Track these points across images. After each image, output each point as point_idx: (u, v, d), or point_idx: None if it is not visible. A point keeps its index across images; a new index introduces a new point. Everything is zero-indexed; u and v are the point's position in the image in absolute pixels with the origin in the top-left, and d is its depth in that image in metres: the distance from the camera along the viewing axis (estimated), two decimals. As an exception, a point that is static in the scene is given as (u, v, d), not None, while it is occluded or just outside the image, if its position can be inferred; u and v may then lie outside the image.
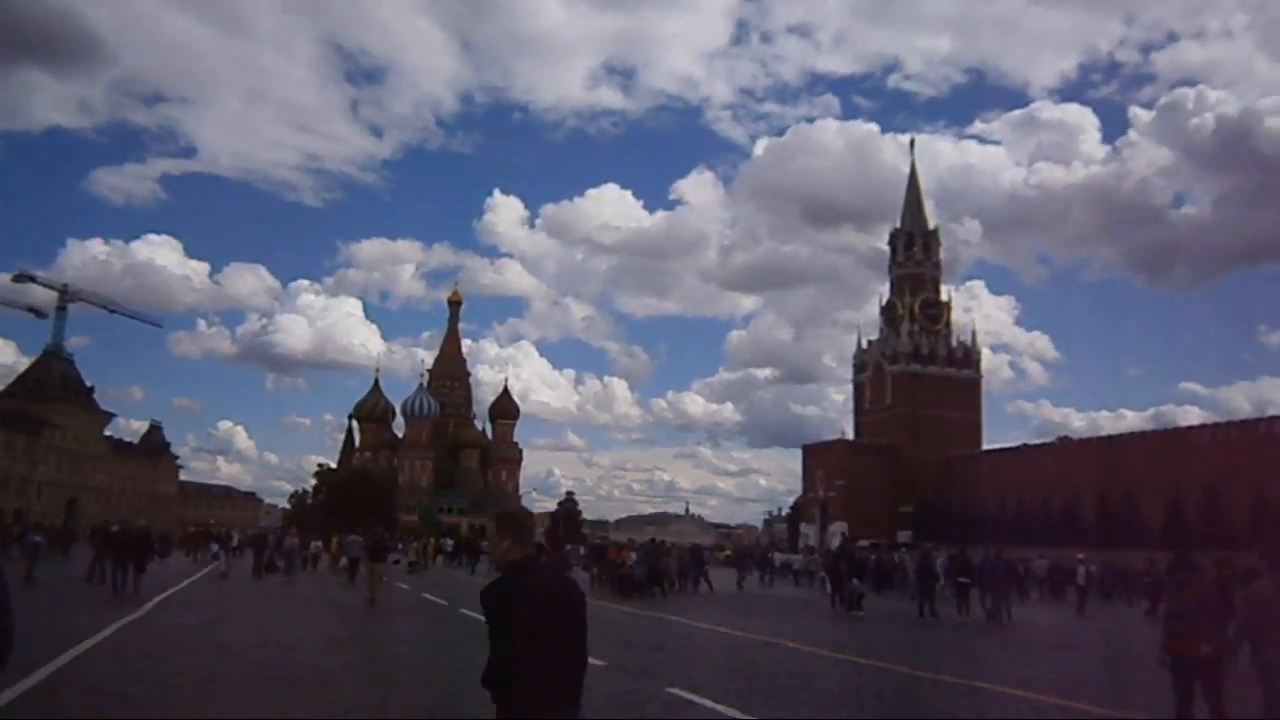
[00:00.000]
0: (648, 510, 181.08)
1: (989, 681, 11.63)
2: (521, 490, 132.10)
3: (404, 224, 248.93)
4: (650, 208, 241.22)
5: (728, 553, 59.24)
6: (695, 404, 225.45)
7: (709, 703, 9.04)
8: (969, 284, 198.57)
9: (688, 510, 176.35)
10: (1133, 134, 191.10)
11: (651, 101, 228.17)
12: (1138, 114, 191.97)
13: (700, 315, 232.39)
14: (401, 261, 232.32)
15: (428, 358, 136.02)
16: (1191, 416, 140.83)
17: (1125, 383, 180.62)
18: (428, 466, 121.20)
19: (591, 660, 3.62)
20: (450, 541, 53.79)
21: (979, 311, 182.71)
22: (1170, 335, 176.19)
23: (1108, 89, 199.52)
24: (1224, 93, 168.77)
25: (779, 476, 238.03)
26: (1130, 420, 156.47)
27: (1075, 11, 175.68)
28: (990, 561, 22.94)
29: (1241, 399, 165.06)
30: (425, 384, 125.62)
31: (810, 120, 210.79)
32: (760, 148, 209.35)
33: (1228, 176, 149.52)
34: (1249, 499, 61.61)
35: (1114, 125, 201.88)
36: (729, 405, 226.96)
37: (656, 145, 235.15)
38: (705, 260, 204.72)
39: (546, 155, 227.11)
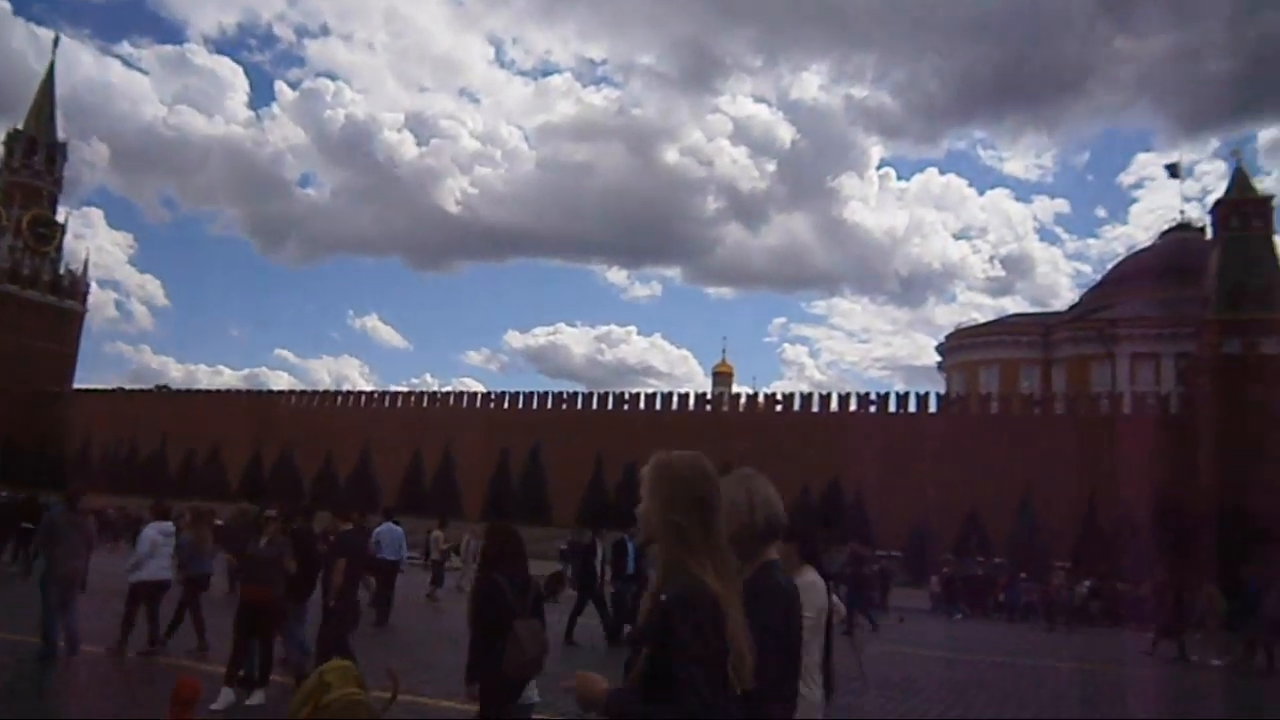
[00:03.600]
0: None
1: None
2: None
3: None
4: None
5: None
6: None
7: None
8: (86, 210, 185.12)
9: None
10: (276, 107, 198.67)
11: None
12: (284, 90, 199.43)
13: None
14: None
15: None
16: (282, 382, 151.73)
17: (228, 341, 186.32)
18: None
19: None
20: None
21: (94, 241, 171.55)
22: (274, 303, 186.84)
23: (262, 56, 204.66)
24: (358, 95, 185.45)
25: None
26: (227, 377, 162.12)
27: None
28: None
29: (324, 372, 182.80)
30: None
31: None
32: None
33: (346, 171, 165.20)
34: (319, 462, 69.53)
35: (262, 93, 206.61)
36: None
37: None
38: None
39: None
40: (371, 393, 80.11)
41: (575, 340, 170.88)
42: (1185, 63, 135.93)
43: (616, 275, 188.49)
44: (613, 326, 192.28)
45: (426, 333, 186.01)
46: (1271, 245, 54.00)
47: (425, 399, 75.76)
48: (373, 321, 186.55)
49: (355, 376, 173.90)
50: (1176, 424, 50.32)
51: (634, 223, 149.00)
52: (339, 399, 79.57)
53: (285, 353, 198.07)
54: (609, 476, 60.10)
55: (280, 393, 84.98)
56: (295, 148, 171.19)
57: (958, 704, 10.34)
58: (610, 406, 67.35)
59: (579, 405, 68.78)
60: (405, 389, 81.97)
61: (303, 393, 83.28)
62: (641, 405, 66.50)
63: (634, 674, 2.37)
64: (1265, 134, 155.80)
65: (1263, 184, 64.27)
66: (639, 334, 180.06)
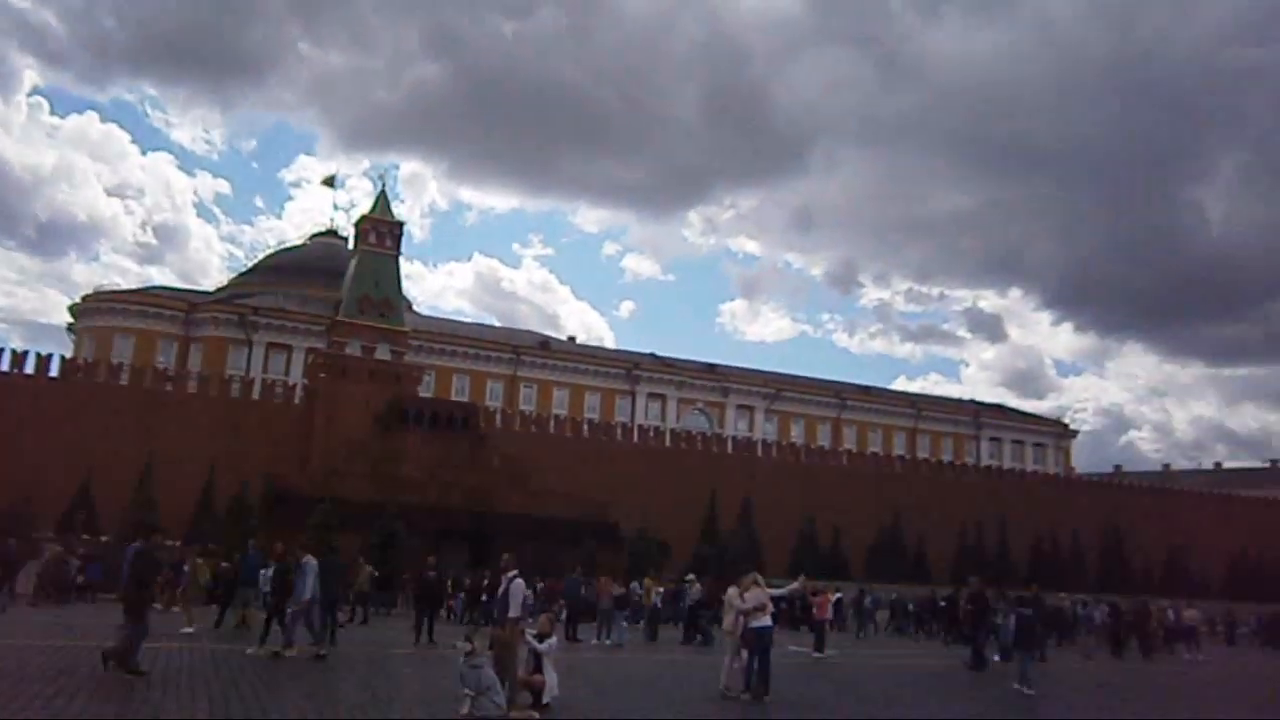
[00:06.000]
0: None
1: None
2: None
3: None
4: None
5: None
6: None
7: None
8: None
9: None
10: None
11: None
12: None
13: None
14: None
15: None
16: None
17: None
18: None
19: None
20: None
21: None
22: None
23: None
24: None
25: None
26: None
27: None
28: None
29: None
30: None
31: None
32: None
33: None
34: None
35: None
36: None
37: None
38: None
39: None
40: None
41: None
42: (357, 84, 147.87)
43: None
44: None
45: None
46: (397, 264, 61.88)
47: None
48: None
49: None
50: (298, 413, 54.45)
51: None
52: None
53: None
54: None
55: None
56: None
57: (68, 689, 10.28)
58: None
59: None
60: None
61: None
62: None
63: None
64: (407, 166, 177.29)
65: (398, 210, 73.20)
66: None
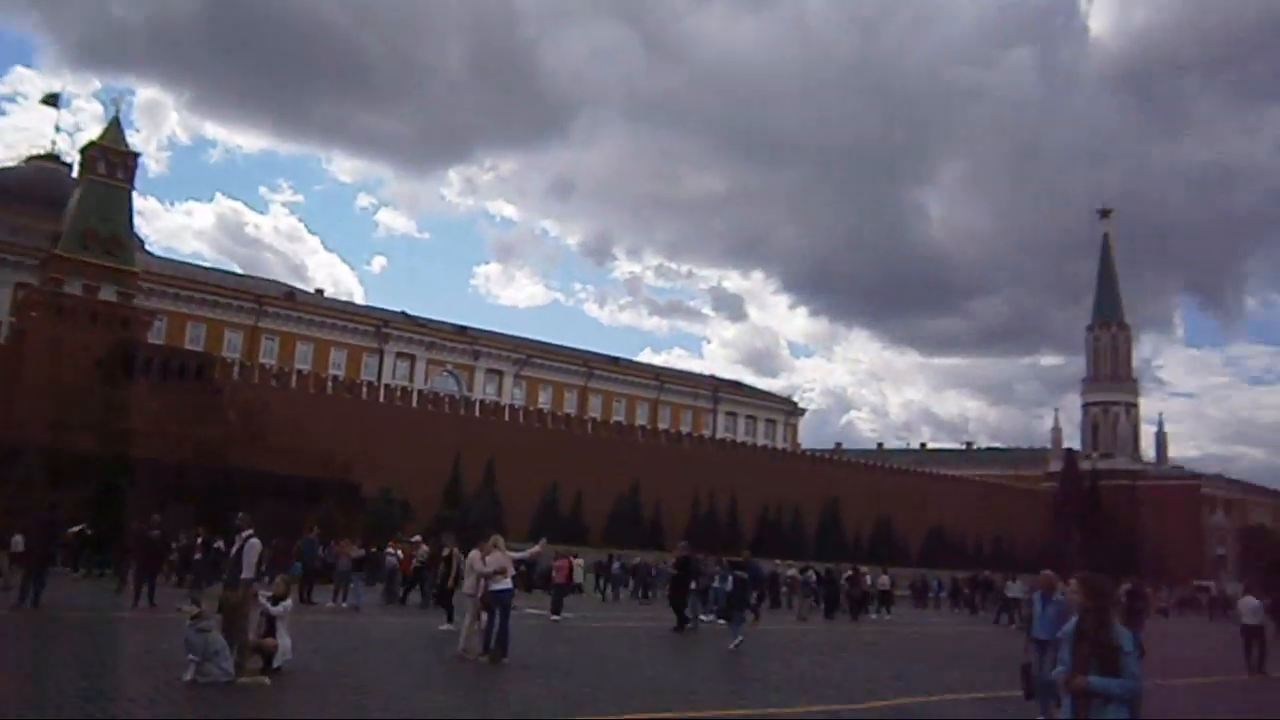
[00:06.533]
0: None
1: None
2: None
3: None
4: None
5: None
6: None
7: None
8: None
9: None
10: None
11: None
12: None
13: None
14: None
15: None
16: None
17: None
18: None
19: None
20: None
21: None
22: None
23: None
24: None
25: None
26: None
27: None
28: None
29: None
30: None
31: None
32: None
33: None
34: None
35: None
36: None
37: None
38: None
39: None
40: None
41: None
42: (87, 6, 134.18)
43: None
44: None
45: None
46: (129, 198, 57.15)
47: None
48: None
49: None
50: (3, 355, 49.42)
51: None
52: None
53: None
54: None
55: None
56: None
57: None
58: None
59: None
60: None
61: None
62: None
63: None
64: (145, 93, 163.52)
65: (133, 139, 67.52)
66: None
